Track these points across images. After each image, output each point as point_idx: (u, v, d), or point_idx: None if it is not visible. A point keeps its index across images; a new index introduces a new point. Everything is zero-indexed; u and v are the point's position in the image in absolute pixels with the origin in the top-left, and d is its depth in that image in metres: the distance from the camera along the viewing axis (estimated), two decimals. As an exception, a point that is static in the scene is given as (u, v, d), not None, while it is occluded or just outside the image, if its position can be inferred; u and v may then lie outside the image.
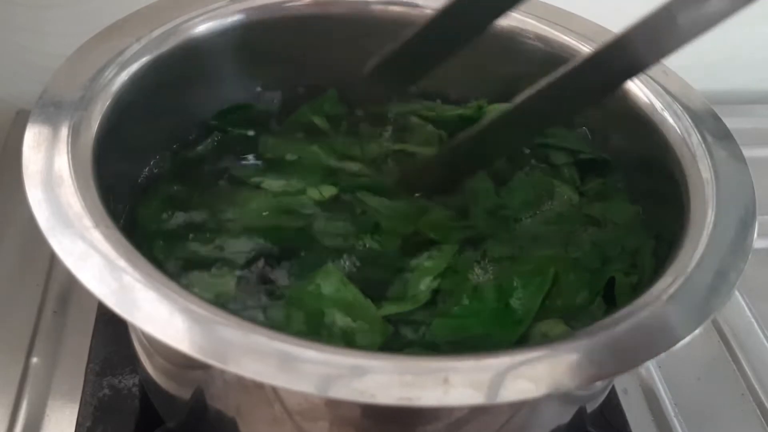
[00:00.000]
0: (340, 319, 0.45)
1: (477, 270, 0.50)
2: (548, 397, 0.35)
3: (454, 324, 0.47)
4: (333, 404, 0.39)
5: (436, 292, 0.49)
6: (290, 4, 0.58)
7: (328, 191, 0.54)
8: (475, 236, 0.52)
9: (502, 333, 0.46)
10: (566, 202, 0.55)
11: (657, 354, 0.37)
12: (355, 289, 0.47)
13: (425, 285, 0.48)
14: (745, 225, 0.45)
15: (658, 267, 0.45)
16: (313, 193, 0.53)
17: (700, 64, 0.86)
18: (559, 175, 0.58)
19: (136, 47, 0.51)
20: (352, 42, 0.61)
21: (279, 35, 0.59)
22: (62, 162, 0.42)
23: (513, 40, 0.59)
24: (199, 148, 0.57)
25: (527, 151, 0.60)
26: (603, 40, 0.56)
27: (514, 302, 0.48)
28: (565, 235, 0.53)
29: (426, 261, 0.50)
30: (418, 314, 0.47)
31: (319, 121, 0.60)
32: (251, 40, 0.58)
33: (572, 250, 0.51)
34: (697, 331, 0.38)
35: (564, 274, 0.49)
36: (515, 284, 0.49)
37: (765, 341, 0.66)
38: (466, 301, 0.48)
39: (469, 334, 0.46)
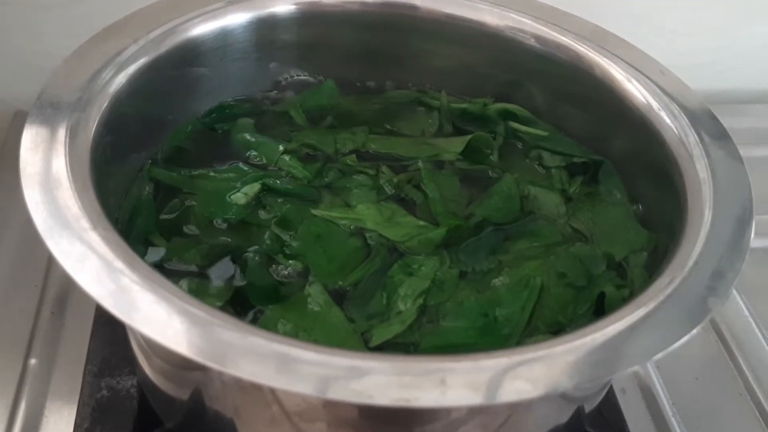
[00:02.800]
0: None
1: (462, 284, 0.49)
2: (546, 398, 0.35)
3: (443, 342, 0.46)
4: (331, 405, 0.39)
5: (422, 309, 0.48)
6: (284, 5, 0.59)
7: (252, 189, 0.54)
8: (449, 242, 0.52)
9: (492, 348, 0.46)
10: (553, 213, 0.55)
11: (655, 354, 0.37)
12: (340, 312, 0.47)
13: (411, 303, 0.48)
14: (743, 224, 0.45)
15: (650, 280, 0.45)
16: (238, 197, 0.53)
17: (698, 64, 0.87)
18: (549, 178, 0.58)
19: (133, 48, 0.51)
20: (350, 37, 0.61)
21: (276, 35, 0.59)
22: (60, 163, 0.42)
23: (511, 39, 0.59)
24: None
25: (520, 145, 0.60)
26: (600, 39, 0.57)
27: (502, 317, 0.47)
28: (550, 247, 0.52)
29: (408, 278, 0.49)
30: (406, 335, 0.47)
31: (295, 114, 0.60)
32: (248, 41, 0.58)
33: (558, 264, 0.51)
34: (694, 331, 0.38)
35: (550, 286, 0.49)
36: (502, 298, 0.48)
37: (763, 340, 0.66)
38: (453, 318, 0.47)
39: (458, 352, 0.46)
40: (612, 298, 0.48)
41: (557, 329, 0.48)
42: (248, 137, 0.57)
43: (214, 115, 0.59)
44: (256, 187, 0.53)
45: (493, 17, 0.59)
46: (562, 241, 0.53)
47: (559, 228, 0.54)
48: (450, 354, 0.43)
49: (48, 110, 0.45)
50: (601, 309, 0.49)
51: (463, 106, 0.62)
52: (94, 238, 0.39)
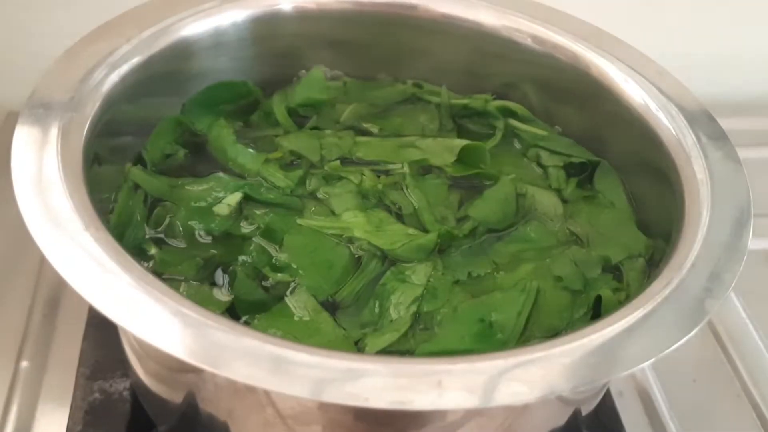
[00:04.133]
0: None
1: (456, 289, 0.49)
2: (542, 400, 0.35)
3: (438, 349, 0.45)
4: (326, 408, 0.39)
5: (415, 316, 0.47)
6: (279, 4, 0.58)
7: (234, 199, 0.52)
8: (442, 247, 0.51)
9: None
10: (550, 213, 0.54)
11: (652, 357, 0.37)
12: (329, 317, 0.46)
13: (404, 310, 0.47)
14: (741, 226, 0.44)
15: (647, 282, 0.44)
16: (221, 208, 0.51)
17: (696, 66, 0.87)
18: (546, 177, 0.57)
19: (126, 48, 0.50)
20: (346, 36, 0.61)
21: (271, 34, 0.59)
22: (52, 164, 0.42)
23: (508, 39, 0.59)
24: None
25: (517, 144, 0.60)
26: (597, 39, 0.57)
27: (498, 322, 0.46)
28: (545, 251, 0.52)
29: (401, 285, 0.48)
30: (400, 343, 0.46)
31: (279, 113, 0.59)
32: (242, 40, 0.58)
33: (554, 267, 0.50)
34: (692, 333, 0.38)
35: (546, 290, 0.49)
36: (497, 303, 0.47)
37: (760, 343, 0.66)
38: (448, 324, 0.47)
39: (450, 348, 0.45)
40: (608, 302, 0.48)
41: (553, 335, 0.47)
42: (227, 147, 0.56)
43: (197, 107, 0.57)
44: (237, 196, 0.52)
45: (490, 17, 0.59)
46: (556, 244, 0.52)
47: (552, 230, 0.53)
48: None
49: (40, 111, 0.45)
50: (598, 314, 0.48)
51: (465, 101, 0.62)
52: (87, 238, 0.38)
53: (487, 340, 0.46)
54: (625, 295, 0.49)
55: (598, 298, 0.48)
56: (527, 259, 0.51)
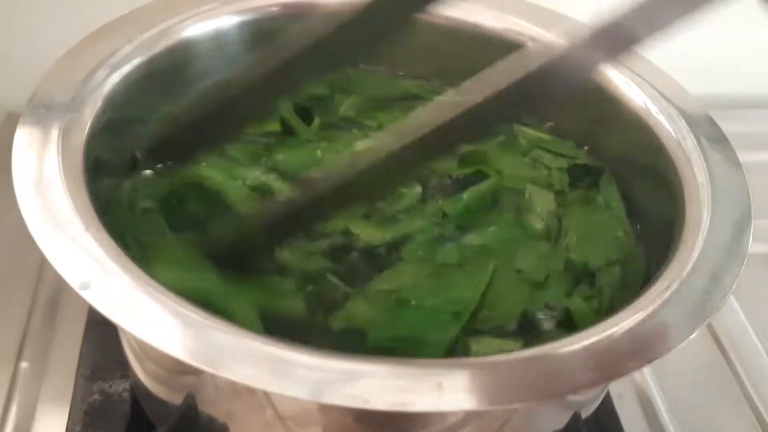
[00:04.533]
0: None
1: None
2: (543, 403, 0.35)
3: (390, 320, 0.45)
4: (326, 409, 0.39)
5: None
6: (280, 5, 0.58)
7: None
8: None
9: (438, 329, 0.45)
10: (537, 210, 0.54)
11: (652, 360, 0.37)
12: None
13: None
14: (741, 229, 0.44)
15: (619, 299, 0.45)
16: None
17: (696, 68, 0.86)
18: (549, 178, 0.57)
19: (128, 48, 0.50)
20: (347, 37, 0.61)
21: (272, 35, 0.59)
22: (53, 164, 0.42)
23: (508, 42, 0.58)
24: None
25: (520, 146, 0.59)
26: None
27: (452, 296, 0.46)
28: (513, 244, 0.52)
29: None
30: None
31: (290, 117, 0.58)
32: (244, 42, 0.58)
33: (517, 261, 0.50)
34: (692, 336, 0.38)
35: (503, 274, 0.48)
36: (456, 278, 0.48)
37: (760, 346, 0.65)
38: (404, 297, 0.46)
39: (406, 332, 0.45)
40: (580, 311, 0.47)
41: (502, 330, 0.46)
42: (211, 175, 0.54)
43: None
44: None
45: (490, 20, 0.59)
46: (525, 239, 0.52)
47: (525, 225, 0.53)
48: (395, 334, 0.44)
49: (41, 111, 0.45)
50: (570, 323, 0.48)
51: None
52: (87, 239, 0.38)
53: (441, 313, 0.46)
54: (598, 303, 0.48)
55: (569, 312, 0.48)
56: (494, 251, 0.51)
